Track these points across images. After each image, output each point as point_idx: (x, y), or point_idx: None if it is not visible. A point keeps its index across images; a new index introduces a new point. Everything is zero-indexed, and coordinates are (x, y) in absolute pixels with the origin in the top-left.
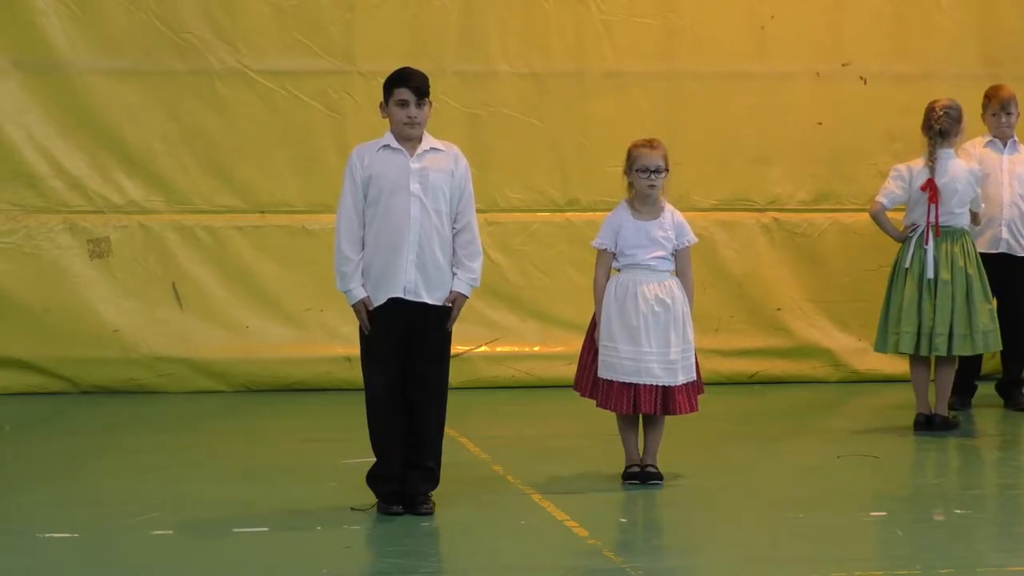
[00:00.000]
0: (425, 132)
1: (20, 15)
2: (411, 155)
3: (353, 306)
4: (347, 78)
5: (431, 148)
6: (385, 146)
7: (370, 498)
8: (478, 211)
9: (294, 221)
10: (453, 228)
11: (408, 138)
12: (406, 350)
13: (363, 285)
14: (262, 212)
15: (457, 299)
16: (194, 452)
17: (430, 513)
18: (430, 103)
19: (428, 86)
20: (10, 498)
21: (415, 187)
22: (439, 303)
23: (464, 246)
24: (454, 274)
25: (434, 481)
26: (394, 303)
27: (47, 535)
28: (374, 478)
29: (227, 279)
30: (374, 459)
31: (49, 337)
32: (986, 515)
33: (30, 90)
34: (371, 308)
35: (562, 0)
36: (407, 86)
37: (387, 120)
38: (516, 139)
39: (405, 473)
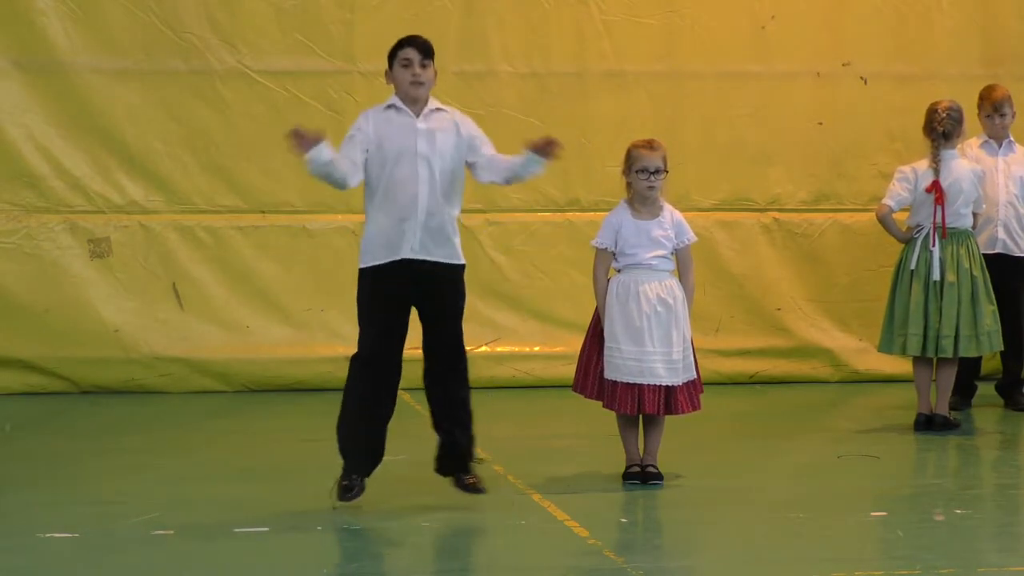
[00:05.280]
0: (431, 96)
1: (20, 15)
2: (417, 116)
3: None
4: (347, 78)
5: (436, 108)
6: (390, 106)
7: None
8: (478, 211)
9: (294, 221)
10: (474, 161)
11: (414, 99)
12: (408, 314)
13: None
14: (263, 212)
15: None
16: (194, 452)
17: (479, 490)
18: (435, 70)
19: (432, 50)
20: (10, 498)
21: (422, 147)
22: (447, 261)
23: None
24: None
25: (471, 453)
26: (401, 264)
27: (47, 535)
28: (344, 452)
29: (227, 279)
30: None
31: (49, 337)
32: (986, 515)
33: (30, 90)
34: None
35: (562, 0)
36: (411, 46)
37: (391, 88)
38: (516, 139)
39: (446, 437)
